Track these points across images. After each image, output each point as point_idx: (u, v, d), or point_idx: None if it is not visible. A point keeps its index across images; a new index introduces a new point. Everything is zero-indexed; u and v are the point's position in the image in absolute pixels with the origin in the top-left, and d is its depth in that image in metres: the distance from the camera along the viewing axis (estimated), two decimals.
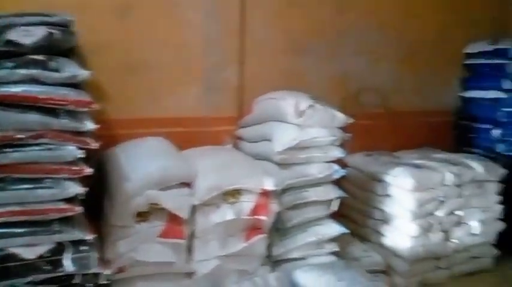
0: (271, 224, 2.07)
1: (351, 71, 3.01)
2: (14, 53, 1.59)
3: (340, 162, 2.37)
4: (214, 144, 2.44)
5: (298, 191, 2.25)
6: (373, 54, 3.08)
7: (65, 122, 1.60)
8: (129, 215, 1.82)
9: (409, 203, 2.48)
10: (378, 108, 3.15)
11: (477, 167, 2.67)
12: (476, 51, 3.32)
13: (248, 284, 1.98)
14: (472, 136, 3.30)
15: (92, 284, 1.65)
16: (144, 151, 2.03)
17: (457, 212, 2.64)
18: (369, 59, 3.07)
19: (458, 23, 3.32)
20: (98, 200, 1.95)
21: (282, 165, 2.21)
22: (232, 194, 1.98)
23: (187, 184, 1.92)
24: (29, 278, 1.54)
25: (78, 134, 1.63)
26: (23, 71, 1.55)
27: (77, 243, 1.63)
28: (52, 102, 1.57)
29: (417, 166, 2.62)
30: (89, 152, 1.65)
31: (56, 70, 1.62)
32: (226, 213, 1.93)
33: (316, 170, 2.28)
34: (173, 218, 1.86)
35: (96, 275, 1.65)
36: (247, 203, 1.98)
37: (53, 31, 1.67)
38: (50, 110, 1.58)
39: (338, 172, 2.33)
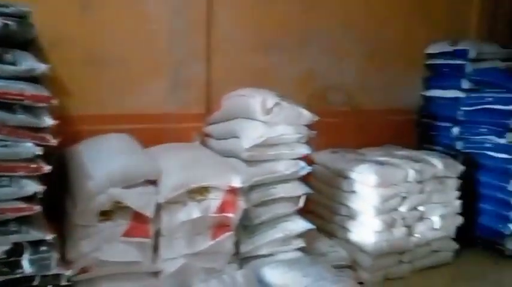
0: (238, 221, 2.06)
1: (317, 69, 3.05)
2: None
3: (307, 159, 2.39)
4: (181, 141, 2.41)
5: (265, 188, 2.26)
6: (338, 53, 3.13)
7: (21, 118, 1.54)
8: (91, 214, 1.77)
9: (373, 199, 2.54)
10: (344, 106, 3.21)
11: (438, 164, 2.77)
12: (437, 51, 3.45)
13: (215, 282, 1.96)
14: (433, 134, 3.42)
15: (52, 286, 1.59)
16: (107, 148, 1.98)
17: (419, 208, 2.72)
18: (334, 58, 3.12)
19: (421, 24, 3.43)
20: (59, 198, 1.89)
21: (250, 162, 2.21)
22: (199, 192, 1.96)
23: (152, 182, 1.88)
24: None
25: (36, 131, 1.57)
26: None
27: (36, 244, 1.57)
28: (8, 97, 1.50)
29: (381, 163, 2.68)
30: (48, 149, 1.60)
31: (12, 63, 1.56)
32: (192, 211, 1.91)
33: (283, 167, 2.29)
34: (138, 217, 1.82)
35: (56, 276, 1.60)
36: (214, 200, 1.96)
37: (8, 22, 1.60)
38: (5, 105, 1.51)
39: (304, 168, 2.35)
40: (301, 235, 2.35)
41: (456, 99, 3.29)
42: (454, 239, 2.89)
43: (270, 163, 2.27)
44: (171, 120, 2.50)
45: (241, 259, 2.18)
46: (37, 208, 1.56)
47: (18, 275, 1.52)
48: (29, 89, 1.54)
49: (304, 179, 2.41)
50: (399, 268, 2.68)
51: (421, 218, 2.74)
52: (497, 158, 3.02)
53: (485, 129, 3.08)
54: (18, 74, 1.55)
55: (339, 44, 3.13)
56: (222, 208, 1.97)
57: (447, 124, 3.32)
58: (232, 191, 1.99)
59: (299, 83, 2.96)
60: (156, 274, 1.95)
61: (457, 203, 2.86)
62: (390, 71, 3.38)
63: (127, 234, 1.82)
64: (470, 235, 3.05)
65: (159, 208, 1.88)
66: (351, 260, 2.55)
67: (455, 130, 3.27)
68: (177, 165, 1.99)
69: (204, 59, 2.57)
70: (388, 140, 3.25)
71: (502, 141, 2.98)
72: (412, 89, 3.53)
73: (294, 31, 2.92)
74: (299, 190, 2.35)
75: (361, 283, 2.45)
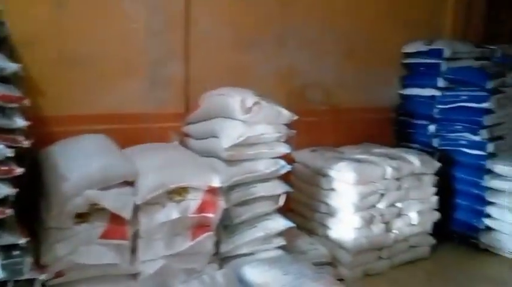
0: (218, 221, 2.05)
1: (296, 67, 3.06)
2: None
3: (287, 157, 2.40)
4: (159, 141, 2.38)
5: (245, 187, 2.25)
6: (317, 52, 3.15)
7: None
8: (67, 216, 1.73)
9: (351, 197, 2.57)
10: (322, 105, 3.23)
11: (415, 161, 2.81)
12: (413, 51, 3.50)
13: (196, 283, 1.94)
14: (410, 132, 3.48)
15: None
16: (83, 149, 1.94)
17: (397, 204, 2.77)
18: (313, 56, 3.14)
19: (397, 23, 3.48)
20: (33, 201, 1.84)
21: (230, 162, 2.20)
22: (178, 192, 1.94)
23: (129, 183, 1.86)
24: None
25: (7, 132, 1.52)
26: None
27: (8, 248, 1.52)
28: None
29: (359, 161, 2.72)
30: (20, 150, 1.55)
31: None
32: (171, 212, 1.89)
33: (263, 166, 2.29)
34: (115, 219, 1.79)
35: (30, 281, 1.56)
36: (193, 201, 1.94)
37: None
38: None
39: (284, 167, 2.36)
40: (281, 234, 2.35)
41: (432, 97, 3.35)
42: (431, 234, 2.95)
43: (249, 162, 2.26)
44: (149, 120, 2.46)
45: (222, 259, 2.17)
46: (9, 212, 1.51)
47: None
48: None
49: (284, 178, 2.41)
50: (378, 263, 2.71)
51: (399, 214, 2.79)
52: (472, 154, 3.09)
53: (460, 127, 3.14)
54: None
55: (318, 42, 3.14)
56: (201, 208, 1.96)
57: (424, 122, 3.38)
58: (212, 191, 1.98)
59: (278, 81, 2.96)
60: (134, 276, 1.92)
61: (434, 199, 2.92)
62: (368, 70, 3.42)
63: (104, 236, 1.79)
64: (447, 230, 3.12)
65: (137, 209, 1.86)
66: (331, 257, 2.57)
67: (432, 128, 3.33)
68: (155, 165, 1.96)
69: (182, 57, 2.55)
70: (366, 138, 3.29)
71: (476, 138, 3.05)
72: (389, 87, 3.58)
73: (273, 29, 2.92)
74: (279, 188, 2.35)
75: (341, 280, 2.48)
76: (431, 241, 2.95)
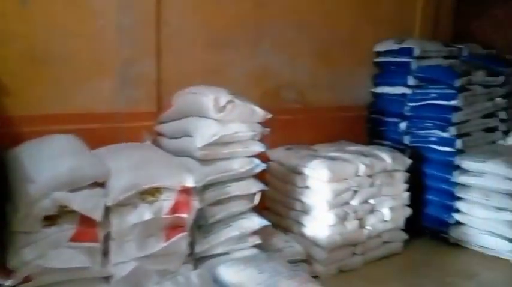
0: (193, 221, 2.03)
1: (270, 67, 3.07)
2: None
3: (262, 156, 2.40)
4: (131, 141, 2.33)
5: (220, 187, 2.24)
6: (291, 51, 3.17)
7: None
8: (34, 219, 1.67)
9: (325, 194, 2.60)
10: (296, 103, 3.25)
11: (387, 158, 2.87)
12: (384, 49, 3.57)
13: (170, 284, 1.92)
14: (382, 129, 3.55)
15: None
16: (51, 149, 1.88)
17: (369, 201, 2.81)
18: (287, 56, 3.15)
19: (369, 23, 3.55)
20: None
21: (204, 161, 2.18)
22: (151, 193, 1.90)
23: (100, 184, 1.81)
24: None
25: None
26: None
27: None
28: None
29: (332, 158, 2.75)
30: None
31: None
32: (144, 213, 1.85)
33: (238, 165, 2.28)
34: (85, 221, 1.74)
35: None
36: (166, 201, 1.92)
37: None
38: None
39: (259, 166, 2.36)
40: (256, 232, 2.35)
41: (403, 95, 3.43)
42: (403, 230, 3.01)
43: (224, 161, 2.25)
44: (121, 120, 2.42)
45: (197, 259, 2.15)
46: None
47: None
48: None
49: (260, 176, 2.41)
50: (352, 260, 2.75)
51: (372, 210, 2.83)
52: (442, 151, 3.18)
53: (430, 124, 3.22)
54: None
55: (291, 42, 3.16)
56: (175, 209, 1.93)
57: (395, 120, 3.45)
58: (186, 191, 1.96)
59: (252, 81, 2.97)
60: (107, 278, 1.88)
61: (406, 195, 2.98)
62: (341, 70, 3.46)
63: (74, 239, 1.74)
64: (418, 225, 3.20)
65: (108, 210, 1.82)
66: (306, 254, 2.59)
67: (403, 125, 3.40)
68: (127, 166, 1.92)
69: (154, 56, 2.51)
70: (339, 136, 3.34)
71: (446, 135, 3.14)
72: (362, 86, 3.64)
73: (247, 30, 2.92)
74: (254, 187, 2.35)
75: (316, 277, 2.50)
76: (404, 236, 3.01)
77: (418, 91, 3.33)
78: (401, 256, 2.97)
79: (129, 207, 1.86)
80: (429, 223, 3.24)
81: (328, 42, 3.34)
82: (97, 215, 1.75)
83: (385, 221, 2.88)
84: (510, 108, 3.45)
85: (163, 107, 2.52)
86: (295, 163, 2.77)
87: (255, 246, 2.33)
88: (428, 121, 3.23)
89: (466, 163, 3.07)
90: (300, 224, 2.76)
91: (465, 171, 3.08)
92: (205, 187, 2.15)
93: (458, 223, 3.14)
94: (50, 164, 1.76)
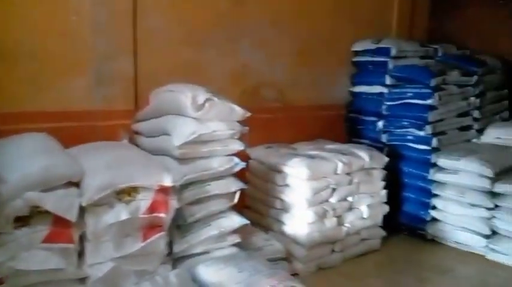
0: (171, 221, 2.00)
1: (249, 65, 3.06)
2: None
3: (242, 154, 2.39)
4: (107, 139, 2.28)
5: (199, 186, 2.22)
6: (270, 50, 3.17)
7: None
8: (5, 220, 1.62)
9: (305, 192, 2.61)
10: (276, 102, 3.26)
11: (364, 156, 2.90)
12: (362, 49, 3.61)
13: (148, 284, 1.89)
14: (360, 128, 3.59)
15: None
16: (23, 148, 1.82)
17: (348, 198, 2.84)
18: (266, 54, 3.15)
19: (347, 22, 3.58)
20: None
21: (182, 160, 2.16)
22: (128, 192, 1.87)
23: (74, 184, 1.77)
24: None
25: None
26: None
27: None
28: None
29: (312, 157, 2.76)
30: None
31: None
32: (120, 213, 1.81)
33: (217, 164, 2.26)
34: (59, 221, 1.69)
35: None
36: (143, 201, 1.88)
37: None
38: None
39: (238, 164, 2.34)
40: (236, 231, 2.33)
41: (380, 94, 3.47)
42: (381, 227, 3.04)
43: (203, 160, 2.23)
44: (96, 118, 2.37)
45: (175, 259, 2.12)
46: None
47: None
48: None
49: (240, 175, 2.40)
50: (331, 257, 2.77)
51: (351, 208, 2.86)
52: (418, 149, 3.23)
53: (407, 123, 3.27)
54: None
55: (271, 40, 3.17)
56: (152, 208, 1.90)
57: (373, 118, 3.49)
58: (163, 190, 1.93)
59: (231, 79, 2.95)
60: (82, 280, 1.83)
61: (383, 192, 3.02)
62: (319, 68, 3.49)
63: (48, 240, 1.69)
64: (396, 222, 3.25)
65: (83, 211, 1.77)
66: (286, 252, 2.59)
67: (380, 124, 3.45)
68: (102, 165, 1.88)
69: (130, 53, 2.47)
70: (318, 135, 3.36)
71: (422, 133, 3.19)
72: (340, 85, 3.67)
73: (225, 27, 2.91)
74: (233, 186, 2.33)
75: (295, 274, 2.51)
76: (382, 233, 3.04)
77: (395, 90, 3.38)
78: (379, 252, 3.01)
79: (105, 207, 1.82)
80: (406, 219, 3.29)
81: (307, 41, 3.36)
82: (71, 216, 1.70)
83: (364, 218, 2.91)
84: (483, 107, 3.53)
85: (140, 105, 2.48)
86: (275, 161, 2.77)
87: (234, 245, 2.32)
88: (405, 120, 3.28)
89: (442, 161, 3.13)
90: (280, 222, 2.76)
91: (441, 169, 3.15)
92: (184, 186, 2.12)
93: (434, 220, 3.20)
94: (21, 163, 1.71)
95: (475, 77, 3.45)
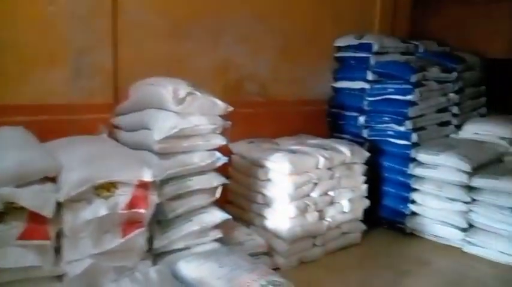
0: (151, 216, 1.98)
1: (232, 59, 3.04)
2: None
3: (224, 149, 2.37)
4: (86, 133, 2.24)
5: (180, 181, 2.20)
6: (253, 44, 3.16)
7: None
8: None
9: (287, 187, 2.62)
10: (259, 97, 3.24)
11: (346, 151, 2.92)
12: (344, 44, 3.63)
13: (127, 281, 1.87)
14: (342, 123, 3.61)
15: None
16: None
17: (329, 193, 2.86)
18: (249, 48, 3.14)
19: (330, 18, 3.59)
20: None
21: (163, 154, 2.13)
22: (106, 188, 1.83)
23: (50, 179, 1.73)
24: None
25: None
26: None
27: None
28: None
29: (294, 152, 2.77)
30: None
31: None
32: (99, 208, 1.78)
33: (199, 159, 2.24)
34: (35, 218, 1.65)
35: None
36: (123, 196, 1.84)
37: None
38: None
39: (220, 159, 2.33)
40: (218, 226, 2.32)
41: (362, 90, 3.49)
42: (362, 221, 3.08)
43: (184, 154, 2.21)
44: (74, 111, 2.32)
45: (156, 255, 2.10)
46: None
47: None
48: None
49: (222, 170, 2.39)
50: (312, 251, 2.79)
51: (332, 202, 2.88)
52: (398, 144, 3.27)
53: (388, 118, 3.31)
54: None
55: (254, 35, 3.15)
56: (132, 204, 1.87)
57: (354, 114, 3.52)
58: (143, 185, 1.90)
59: (214, 73, 2.93)
60: (60, 277, 1.80)
61: (364, 187, 3.05)
62: (302, 63, 3.49)
63: (23, 237, 1.64)
64: (376, 216, 3.29)
65: (60, 207, 1.73)
66: (268, 247, 2.60)
67: (362, 119, 3.47)
68: (80, 159, 1.84)
69: (110, 45, 2.42)
70: (301, 130, 3.37)
71: (402, 129, 3.23)
72: (323, 80, 3.68)
73: (208, 21, 2.88)
74: (215, 181, 2.32)
75: (277, 269, 2.52)
76: (362, 227, 3.08)
77: (376, 86, 3.41)
78: (360, 246, 3.04)
79: (83, 203, 1.78)
80: (386, 213, 3.33)
81: (290, 36, 3.35)
82: (47, 212, 1.66)
83: (344, 212, 2.94)
84: (462, 103, 3.59)
85: (119, 98, 2.44)
86: (257, 156, 2.76)
87: (216, 240, 2.31)
88: (386, 115, 3.31)
89: (421, 156, 3.18)
90: (262, 216, 2.76)
91: (420, 163, 3.19)
92: (165, 181, 2.09)
93: (413, 214, 3.26)
94: None
95: (455, 74, 3.50)
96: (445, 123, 3.53)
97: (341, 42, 3.64)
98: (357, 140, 3.35)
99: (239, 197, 2.92)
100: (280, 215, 2.66)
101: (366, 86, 3.47)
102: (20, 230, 1.64)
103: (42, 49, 2.21)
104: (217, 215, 2.32)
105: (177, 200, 2.17)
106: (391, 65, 3.41)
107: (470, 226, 3.01)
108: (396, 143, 3.28)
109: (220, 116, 2.29)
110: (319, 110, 3.67)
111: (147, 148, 2.15)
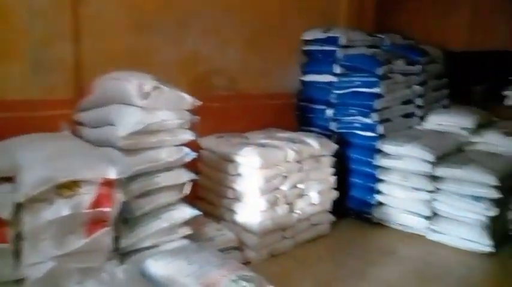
0: (117, 215, 1.92)
1: (199, 53, 2.99)
2: None
3: (193, 144, 2.34)
4: (46, 131, 2.15)
5: (147, 178, 2.15)
6: (221, 37, 3.11)
7: None
8: None
9: (257, 180, 2.62)
10: (228, 90, 3.21)
11: (314, 144, 2.95)
12: (311, 38, 3.64)
13: (93, 282, 1.82)
14: (310, 116, 3.64)
15: None
16: None
17: (298, 185, 2.88)
18: (217, 42, 3.09)
19: (297, 11, 3.58)
20: None
21: (128, 151, 2.07)
22: (69, 187, 1.77)
23: (8, 179, 1.65)
24: None
25: None
26: None
27: None
28: None
29: (263, 145, 2.77)
30: None
31: None
32: (61, 208, 1.72)
33: (166, 154, 2.20)
34: None
35: None
36: (86, 195, 1.79)
37: None
38: None
39: (189, 154, 2.29)
40: (187, 223, 2.30)
41: (329, 83, 3.52)
42: (331, 212, 3.13)
43: (151, 150, 2.16)
44: (33, 108, 2.22)
45: (123, 254, 2.05)
46: None
47: None
48: None
49: (192, 165, 2.36)
50: (283, 243, 2.81)
51: (301, 195, 2.91)
52: (365, 136, 3.33)
53: (355, 111, 3.35)
54: None
55: (221, 27, 3.11)
56: (96, 203, 1.81)
57: (322, 107, 3.55)
58: (108, 183, 1.84)
59: (181, 67, 2.87)
60: (20, 281, 1.72)
61: (332, 179, 3.09)
62: (271, 57, 3.48)
63: None
64: (344, 207, 3.34)
65: (20, 208, 1.66)
66: (238, 241, 2.60)
67: (329, 112, 3.51)
68: (41, 158, 1.77)
69: (70, 39, 2.32)
70: (270, 123, 3.37)
71: (368, 121, 3.29)
72: (291, 74, 3.69)
73: (173, 13, 2.81)
74: (184, 177, 2.29)
75: (248, 263, 2.52)
76: (331, 218, 3.13)
77: (344, 79, 3.44)
78: (329, 237, 3.09)
79: (44, 203, 1.71)
80: (354, 204, 3.40)
81: (258, 29, 3.33)
82: (5, 214, 1.59)
83: (313, 204, 2.97)
84: (426, 95, 3.69)
85: (82, 94, 2.35)
86: (227, 150, 2.75)
87: (185, 237, 2.28)
88: (353, 108, 3.36)
89: (386, 147, 3.25)
90: (232, 211, 2.76)
91: (386, 154, 3.26)
92: (131, 179, 2.04)
93: (380, 204, 3.33)
94: None
95: (419, 66, 3.59)
96: (410, 115, 3.62)
97: (308, 36, 3.65)
98: (325, 132, 3.39)
99: (209, 193, 2.90)
100: (251, 209, 2.67)
101: (334, 79, 3.50)
102: None
103: None
104: (187, 212, 2.29)
105: (145, 198, 2.13)
106: (357, 58, 3.45)
107: (434, 214, 3.11)
108: (363, 135, 3.33)
109: (188, 110, 2.25)
110: (287, 103, 3.68)
111: (112, 145, 2.09)
